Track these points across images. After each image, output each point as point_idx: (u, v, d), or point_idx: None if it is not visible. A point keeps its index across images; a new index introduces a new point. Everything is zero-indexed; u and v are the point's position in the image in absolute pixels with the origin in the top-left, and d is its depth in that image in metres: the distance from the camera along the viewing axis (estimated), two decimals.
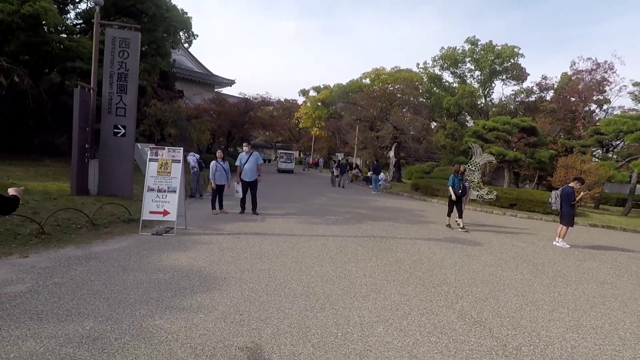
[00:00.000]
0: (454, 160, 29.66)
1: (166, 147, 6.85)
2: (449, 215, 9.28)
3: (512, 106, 34.26)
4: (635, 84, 25.14)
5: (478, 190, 15.51)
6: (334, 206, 12.30)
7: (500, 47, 33.92)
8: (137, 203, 7.91)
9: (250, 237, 6.80)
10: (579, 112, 29.45)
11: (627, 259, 7.65)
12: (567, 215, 8.32)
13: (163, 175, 6.76)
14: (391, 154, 24.06)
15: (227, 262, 5.20)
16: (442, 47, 36.99)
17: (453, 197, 9.11)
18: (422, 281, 4.99)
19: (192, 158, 11.54)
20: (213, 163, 8.84)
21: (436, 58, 36.93)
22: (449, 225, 9.22)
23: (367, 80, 42.14)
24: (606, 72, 28.49)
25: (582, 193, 8.81)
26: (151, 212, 6.64)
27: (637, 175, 16.79)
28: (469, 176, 15.95)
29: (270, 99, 29.98)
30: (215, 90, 37.65)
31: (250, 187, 9.01)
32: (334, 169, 21.45)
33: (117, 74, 8.29)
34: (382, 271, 5.31)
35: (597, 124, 21.79)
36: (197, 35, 23.39)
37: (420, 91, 34.93)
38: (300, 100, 52.80)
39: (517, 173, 24.14)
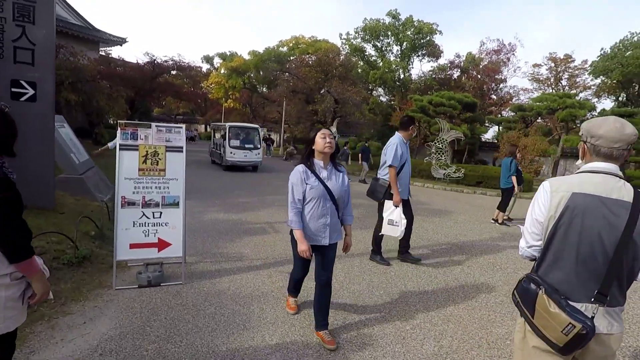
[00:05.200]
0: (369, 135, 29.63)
1: (153, 124, 3.71)
2: (504, 210, 7.91)
3: (427, 82, 35.55)
4: (535, 65, 27.99)
5: (445, 169, 15.04)
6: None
7: (417, 23, 34.49)
8: (71, 219, 4.50)
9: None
10: (485, 90, 32.13)
11: None
12: None
13: (151, 174, 3.68)
14: (333, 129, 22.32)
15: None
16: (365, 19, 36.20)
17: (517, 190, 7.80)
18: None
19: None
20: (296, 174, 2.73)
21: (358, 30, 35.95)
22: (503, 223, 7.80)
23: (285, 49, 39.23)
24: (508, 54, 31.39)
25: None
26: (133, 246, 3.57)
27: (561, 149, 18.56)
28: (438, 154, 15.40)
29: (183, 62, 24.86)
30: (102, 49, 30.04)
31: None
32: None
33: None
34: None
35: (530, 100, 23.63)
36: None
37: (338, 63, 33.67)
38: (205, 67, 46.78)
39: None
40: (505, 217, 7.95)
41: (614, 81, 25.52)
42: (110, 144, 6.39)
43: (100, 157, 9.31)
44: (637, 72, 23.88)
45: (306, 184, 2.69)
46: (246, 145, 15.08)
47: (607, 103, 46.62)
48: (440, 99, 19.69)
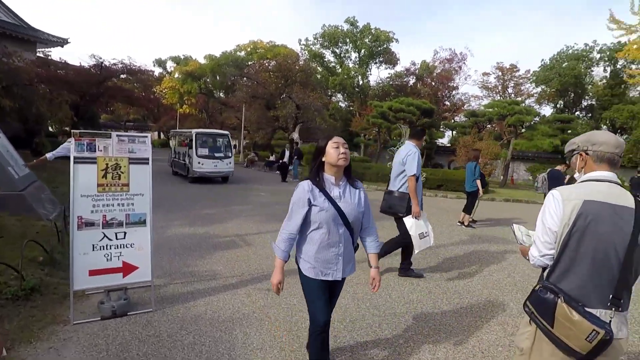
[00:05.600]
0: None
1: (114, 133, 3.32)
2: (469, 212, 8.11)
3: (385, 89, 36.56)
4: (484, 74, 29.77)
5: None
6: None
7: (374, 31, 35.40)
8: (12, 243, 3.91)
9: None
10: (439, 96, 33.65)
11: None
12: None
13: (112, 190, 3.27)
14: (295, 135, 22.15)
15: None
16: (324, 25, 36.54)
17: (481, 192, 8.04)
18: None
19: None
20: (299, 193, 2.19)
21: (317, 36, 36.25)
22: (469, 225, 8.07)
23: (243, 54, 38.53)
24: (460, 62, 33.19)
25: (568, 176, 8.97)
26: (93, 273, 3.14)
27: (511, 153, 19.79)
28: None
29: (134, 66, 23.41)
30: (40, 50, 27.57)
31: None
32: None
33: None
34: None
35: (481, 107, 24.95)
36: None
37: (298, 68, 33.70)
38: (157, 71, 44.68)
39: None
40: (470, 220, 8.21)
41: (553, 89, 27.79)
42: (49, 155, 5.59)
43: (41, 170, 8.40)
44: (572, 82, 26.24)
45: (313, 205, 2.12)
46: (216, 154, 13.66)
47: (547, 110, 50.76)
48: (399, 105, 20.24)
